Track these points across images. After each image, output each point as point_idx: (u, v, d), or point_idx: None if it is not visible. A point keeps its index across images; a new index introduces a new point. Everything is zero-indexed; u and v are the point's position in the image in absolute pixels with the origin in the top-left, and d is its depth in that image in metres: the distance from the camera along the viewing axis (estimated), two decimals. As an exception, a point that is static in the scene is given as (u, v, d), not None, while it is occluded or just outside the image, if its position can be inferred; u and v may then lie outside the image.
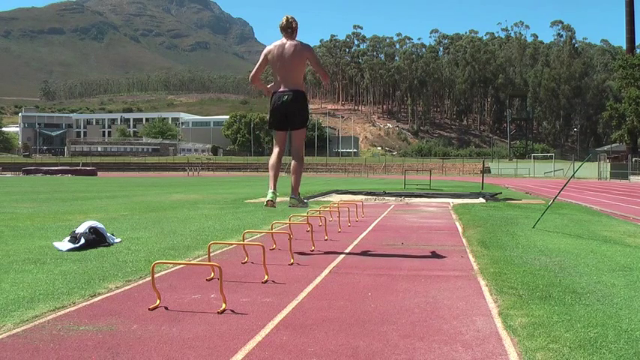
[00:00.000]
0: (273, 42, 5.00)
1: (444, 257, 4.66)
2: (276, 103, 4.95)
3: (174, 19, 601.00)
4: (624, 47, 62.85)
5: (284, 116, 4.96)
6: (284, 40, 4.96)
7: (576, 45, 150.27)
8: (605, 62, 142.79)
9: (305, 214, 6.75)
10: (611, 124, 64.06)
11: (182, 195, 14.50)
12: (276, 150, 5.17)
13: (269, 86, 5.15)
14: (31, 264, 4.14)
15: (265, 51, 5.02)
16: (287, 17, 5.01)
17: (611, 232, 6.51)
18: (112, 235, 5.39)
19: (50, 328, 2.57)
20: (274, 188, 4.92)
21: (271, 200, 4.80)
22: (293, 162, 5.15)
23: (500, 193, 15.21)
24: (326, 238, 5.68)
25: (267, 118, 5.11)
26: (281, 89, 4.94)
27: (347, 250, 4.98)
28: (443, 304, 3.06)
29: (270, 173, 5.04)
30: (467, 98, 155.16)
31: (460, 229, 6.67)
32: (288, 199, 5.27)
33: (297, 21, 5.04)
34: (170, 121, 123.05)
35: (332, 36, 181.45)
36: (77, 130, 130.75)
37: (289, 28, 4.98)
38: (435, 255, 4.78)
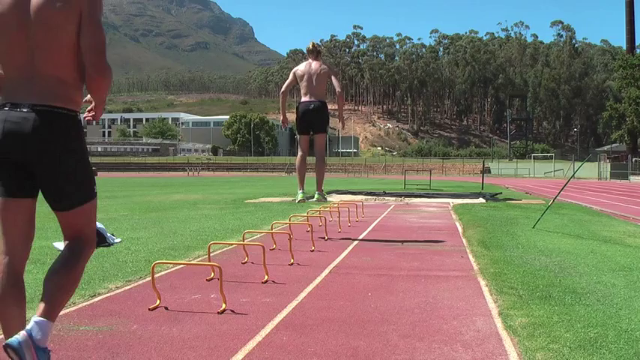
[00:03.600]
0: (302, 63, 6.11)
1: (444, 257, 4.66)
2: (303, 110, 5.92)
3: (174, 19, 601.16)
4: (624, 47, 62.84)
5: (309, 121, 5.93)
6: (310, 61, 6.04)
7: (576, 45, 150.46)
8: (605, 62, 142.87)
9: (305, 214, 6.76)
10: (611, 124, 64.07)
11: (182, 195, 14.51)
12: (300, 153, 6.09)
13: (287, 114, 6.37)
14: (31, 264, 4.12)
15: (294, 70, 6.11)
16: (313, 43, 6.14)
17: (611, 232, 6.51)
18: (112, 235, 5.39)
19: (50, 328, 2.57)
20: (303, 189, 5.93)
21: (302, 199, 5.69)
22: (317, 162, 6.06)
23: (501, 193, 15.21)
24: (326, 238, 5.68)
25: (295, 124, 6.12)
26: (307, 99, 5.91)
27: (347, 250, 4.98)
28: (443, 304, 3.06)
29: (298, 176, 6.09)
30: (467, 98, 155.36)
31: (460, 230, 6.67)
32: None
33: (321, 46, 6.20)
34: (170, 121, 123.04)
35: (332, 36, 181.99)
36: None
37: (315, 51, 6.07)
38: (435, 255, 4.78)
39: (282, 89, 6.16)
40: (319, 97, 5.93)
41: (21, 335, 1.75)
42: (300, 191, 5.87)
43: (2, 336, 2.29)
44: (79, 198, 1.96)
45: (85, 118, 2.09)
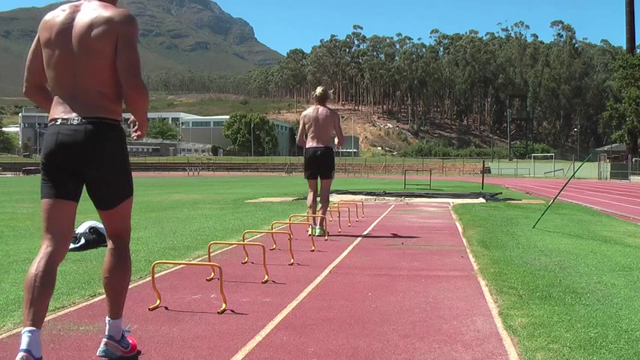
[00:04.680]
0: (309, 108, 6.37)
1: (444, 257, 4.66)
2: (310, 156, 6.22)
3: (174, 19, 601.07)
4: (624, 47, 62.72)
5: (316, 167, 6.21)
6: (317, 106, 6.27)
7: (576, 45, 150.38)
8: (605, 62, 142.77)
9: (305, 214, 6.76)
10: (611, 124, 63.94)
11: (182, 195, 14.51)
12: (310, 194, 6.33)
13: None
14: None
15: (302, 115, 6.38)
16: (321, 90, 6.37)
17: (611, 232, 6.51)
18: (112, 235, 5.38)
19: (50, 328, 2.57)
20: (315, 224, 6.06)
21: (313, 235, 5.72)
22: (322, 202, 6.26)
23: (501, 193, 15.22)
24: (326, 238, 5.69)
25: (304, 168, 6.39)
26: (314, 145, 6.19)
27: (347, 250, 4.98)
28: (443, 304, 3.06)
29: (309, 212, 6.29)
30: (467, 98, 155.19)
31: (460, 229, 6.67)
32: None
33: (328, 92, 6.46)
34: (170, 121, 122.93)
35: (332, 36, 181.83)
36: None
37: (323, 98, 6.31)
38: (435, 255, 4.78)
39: (298, 138, 6.49)
40: (325, 143, 6.21)
41: (103, 344, 2.16)
42: (311, 227, 6.09)
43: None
44: (121, 197, 2.24)
45: (133, 136, 2.37)
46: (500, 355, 2.25)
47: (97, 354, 2.17)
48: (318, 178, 6.27)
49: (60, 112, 2.12)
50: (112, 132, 2.14)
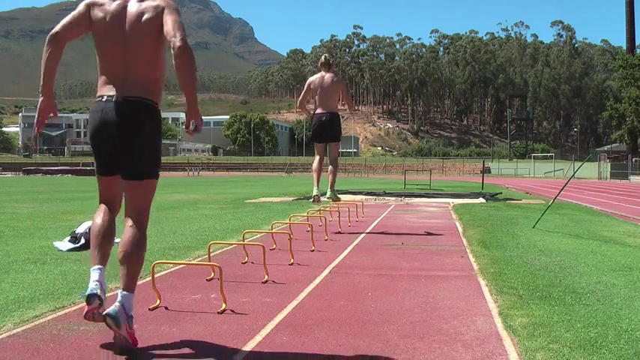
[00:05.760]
0: (315, 74, 6.50)
1: (444, 257, 4.66)
2: (316, 122, 6.39)
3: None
4: (624, 47, 62.70)
5: (323, 132, 6.37)
6: (323, 73, 6.41)
7: (576, 45, 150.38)
8: (605, 62, 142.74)
9: (305, 214, 6.76)
10: (611, 124, 63.94)
11: (182, 195, 14.50)
12: (317, 158, 6.52)
13: (310, 108, 6.81)
14: (31, 264, 4.14)
15: (308, 81, 6.49)
16: (325, 56, 6.55)
17: (611, 232, 6.51)
18: (112, 235, 5.38)
19: (50, 328, 2.57)
20: (318, 186, 6.37)
21: (317, 195, 6.12)
22: (330, 167, 6.54)
23: (501, 193, 15.21)
24: (326, 238, 5.68)
25: (310, 133, 6.59)
26: (320, 111, 6.36)
27: (347, 250, 4.98)
28: (443, 304, 3.06)
29: (314, 175, 6.51)
30: (467, 98, 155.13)
31: (460, 229, 6.67)
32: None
33: (333, 59, 6.57)
34: (170, 121, 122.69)
35: (332, 36, 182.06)
36: (77, 130, 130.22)
37: (327, 65, 6.46)
38: (435, 255, 4.78)
39: (299, 101, 6.62)
40: (331, 109, 6.35)
41: (117, 306, 2.22)
42: (316, 188, 6.33)
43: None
44: (148, 172, 2.47)
45: (188, 132, 2.48)
46: (500, 355, 2.25)
47: (107, 312, 2.19)
48: (326, 153, 6.48)
49: (106, 90, 2.41)
50: (150, 111, 2.41)
